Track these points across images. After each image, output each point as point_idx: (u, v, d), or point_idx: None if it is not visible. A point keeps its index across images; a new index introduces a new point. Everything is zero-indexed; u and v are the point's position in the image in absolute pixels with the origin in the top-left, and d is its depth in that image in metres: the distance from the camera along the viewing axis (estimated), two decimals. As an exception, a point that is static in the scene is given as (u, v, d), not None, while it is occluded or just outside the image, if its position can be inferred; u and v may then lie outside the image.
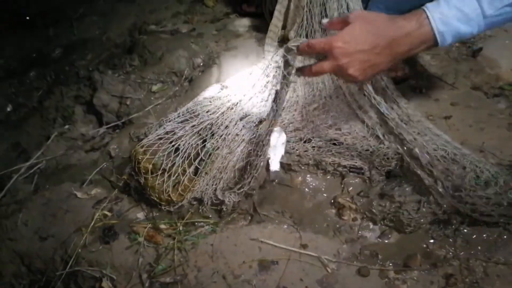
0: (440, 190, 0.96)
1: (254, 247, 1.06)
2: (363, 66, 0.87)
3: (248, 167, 1.14)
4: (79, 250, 1.15)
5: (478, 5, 0.83)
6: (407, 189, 1.00)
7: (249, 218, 1.15)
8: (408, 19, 0.86)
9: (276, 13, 1.51)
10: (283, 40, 1.55)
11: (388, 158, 1.10)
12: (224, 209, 1.12)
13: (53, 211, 1.29)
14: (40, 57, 2.17)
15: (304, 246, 1.04)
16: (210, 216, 1.16)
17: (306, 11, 1.40)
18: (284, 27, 1.52)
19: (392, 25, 0.86)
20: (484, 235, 0.99)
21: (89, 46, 2.04)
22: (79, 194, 1.30)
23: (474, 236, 0.99)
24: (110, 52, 1.93)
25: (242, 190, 1.09)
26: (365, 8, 1.44)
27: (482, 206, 0.93)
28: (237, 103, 1.37)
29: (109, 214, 1.21)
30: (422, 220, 0.98)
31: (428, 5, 0.85)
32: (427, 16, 0.84)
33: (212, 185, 1.17)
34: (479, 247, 0.98)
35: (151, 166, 1.13)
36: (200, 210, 1.16)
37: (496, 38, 1.48)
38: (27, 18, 2.51)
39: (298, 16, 1.42)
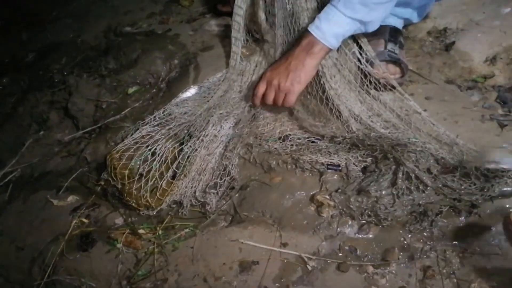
0: (424, 177, 0.98)
1: (235, 248, 1.06)
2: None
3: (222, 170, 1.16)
4: (57, 258, 1.13)
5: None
6: (383, 184, 1.01)
7: (229, 219, 1.15)
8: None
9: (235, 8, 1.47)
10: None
11: (364, 154, 1.11)
12: (207, 209, 1.13)
13: (29, 219, 1.27)
14: (13, 62, 2.12)
15: (284, 245, 1.04)
16: (190, 218, 1.15)
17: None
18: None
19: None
20: (459, 226, 1.01)
21: (63, 50, 2.00)
22: (55, 202, 1.28)
23: (450, 227, 1.01)
24: (85, 55, 1.90)
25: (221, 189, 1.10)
26: None
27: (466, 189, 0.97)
28: (214, 103, 1.36)
29: (86, 221, 1.20)
30: (398, 213, 0.99)
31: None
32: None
33: (191, 187, 1.17)
34: (455, 238, 0.99)
35: (127, 171, 1.12)
36: (180, 213, 1.16)
37: (468, 31, 1.50)
38: (-1, 22, 2.46)
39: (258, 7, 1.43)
